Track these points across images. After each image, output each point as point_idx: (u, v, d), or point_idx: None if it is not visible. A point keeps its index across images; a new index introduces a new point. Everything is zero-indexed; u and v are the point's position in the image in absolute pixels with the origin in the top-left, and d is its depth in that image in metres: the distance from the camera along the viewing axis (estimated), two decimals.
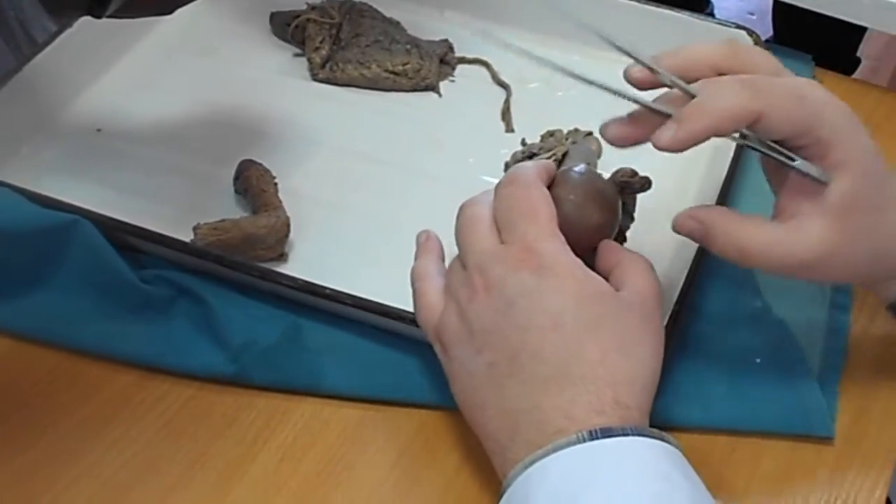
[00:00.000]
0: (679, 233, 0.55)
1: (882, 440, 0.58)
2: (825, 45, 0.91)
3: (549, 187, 0.55)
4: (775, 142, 0.52)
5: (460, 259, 0.55)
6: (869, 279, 0.57)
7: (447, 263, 0.57)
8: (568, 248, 0.52)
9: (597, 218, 0.55)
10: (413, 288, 0.57)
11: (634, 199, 0.59)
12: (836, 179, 0.51)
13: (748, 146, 0.53)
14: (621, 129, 0.54)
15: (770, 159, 0.52)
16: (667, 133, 0.50)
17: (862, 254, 0.53)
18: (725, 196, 0.64)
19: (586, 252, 0.54)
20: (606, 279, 0.54)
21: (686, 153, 0.60)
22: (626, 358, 0.50)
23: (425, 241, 0.59)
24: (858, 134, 0.52)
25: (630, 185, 0.58)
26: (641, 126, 0.53)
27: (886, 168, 0.53)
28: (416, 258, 0.59)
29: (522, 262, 0.51)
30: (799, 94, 0.51)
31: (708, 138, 0.51)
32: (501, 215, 0.54)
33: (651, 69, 0.52)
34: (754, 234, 0.52)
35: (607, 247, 0.56)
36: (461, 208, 0.56)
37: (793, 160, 0.51)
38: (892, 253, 0.54)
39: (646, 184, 0.58)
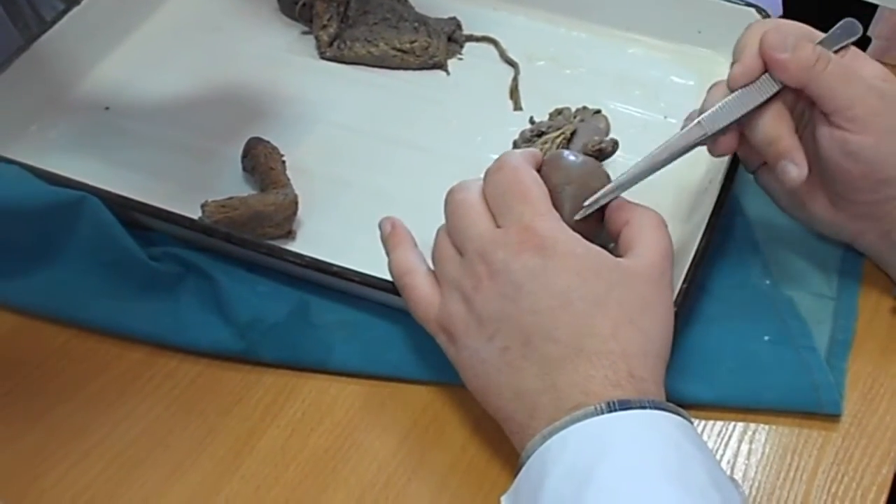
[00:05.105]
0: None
1: (890, 418, 0.58)
2: (835, 24, 0.90)
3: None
4: None
5: (454, 246, 0.55)
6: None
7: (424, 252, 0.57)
8: (564, 224, 0.53)
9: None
10: (401, 284, 0.56)
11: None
12: None
13: None
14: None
15: None
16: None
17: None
18: (735, 168, 0.64)
19: (585, 228, 0.55)
20: (617, 237, 0.54)
21: None
22: (636, 329, 0.50)
23: (392, 232, 0.58)
24: None
25: (604, 152, 0.58)
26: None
27: None
28: (389, 252, 0.58)
29: (523, 243, 0.51)
30: None
31: None
32: (495, 201, 0.54)
33: None
34: None
35: (617, 205, 0.56)
36: (449, 193, 0.56)
37: None
38: None
39: (616, 145, 0.59)
